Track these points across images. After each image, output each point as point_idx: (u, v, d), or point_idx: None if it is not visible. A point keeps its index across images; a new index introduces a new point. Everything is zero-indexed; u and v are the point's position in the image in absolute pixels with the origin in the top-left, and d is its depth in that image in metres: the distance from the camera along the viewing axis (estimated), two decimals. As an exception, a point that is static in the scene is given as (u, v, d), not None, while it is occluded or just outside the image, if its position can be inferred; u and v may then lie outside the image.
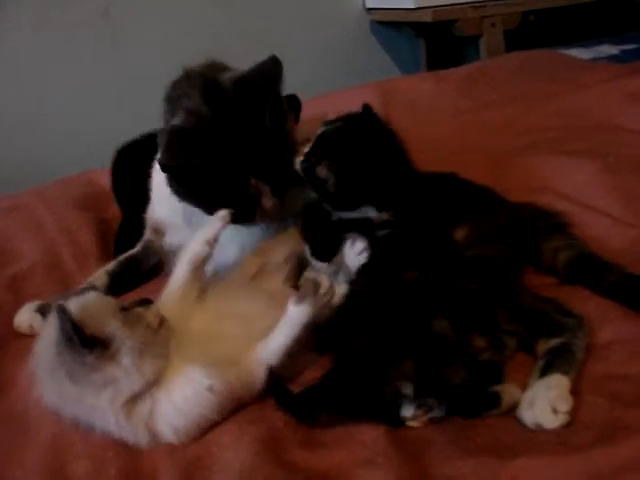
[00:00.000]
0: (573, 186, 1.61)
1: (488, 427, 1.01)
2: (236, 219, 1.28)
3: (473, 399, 1.03)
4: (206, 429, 1.02)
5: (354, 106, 2.36)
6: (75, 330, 0.96)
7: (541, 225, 1.41)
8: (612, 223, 1.47)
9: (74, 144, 2.72)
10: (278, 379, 1.06)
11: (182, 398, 1.00)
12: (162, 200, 1.46)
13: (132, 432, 1.00)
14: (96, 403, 0.99)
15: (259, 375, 1.06)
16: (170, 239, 1.50)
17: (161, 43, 2.88)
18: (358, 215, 1.26)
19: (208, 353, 1.06)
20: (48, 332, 1.02)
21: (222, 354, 1.06)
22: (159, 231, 1.52)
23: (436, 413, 1.02)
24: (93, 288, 1.40)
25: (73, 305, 1.00)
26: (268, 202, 1.32)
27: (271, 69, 1.33)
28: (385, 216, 1.25)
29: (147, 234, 1.55)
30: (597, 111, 2.06)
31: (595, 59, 2.97)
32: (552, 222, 1.43)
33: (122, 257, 1.54)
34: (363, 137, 1.29)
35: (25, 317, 1.37)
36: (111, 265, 1.51)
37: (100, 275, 1.48)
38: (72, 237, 1.62)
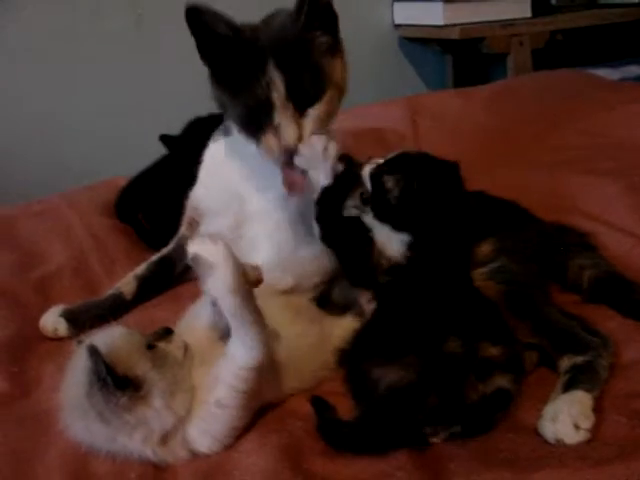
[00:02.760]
0: (598, 205, 1.61)
1: (508, 442, 1.00)
2: (247, 126, 1.28)
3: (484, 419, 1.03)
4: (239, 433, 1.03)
5: (382, 121, 2.39)
6: (108, 372, 0.94)
7: (569, 242, 1.41)
8: (636, 243, 1.47)
9: (102, 153, 2.75)
10: (325, 405, 1.04)
11: (199, 419, 1.01)
12: (205, 181, 1.49)
13: (170, 457, 1.00)
14: (129, 443, 0.98)
15: (253, 373, 1.02)
16: (206, 228, 1.49)
17: (193, 53, 2.91)
18: (385, 238, 1.24)
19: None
20: (77, 371, 1.00)
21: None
22: (195, 222, 1.51)
23: (456, 428, 1.02)
24: (120, 298, 1.43)
25: (102, 344, 0.98)
26: (280, 117, 1.25)
27: None
28: (400, 259, 1.22)
29: (182, 229, 1.53)
30: (623, 131, 2.06)
31: (623, 79, 2.97)
32: (580, 241, 1.43)
33: (153, 258, 1.53)
34: (441, 172, 1.24)
35: (50, 321, 1.38)
36: (141, 269, 1.51)
37: (129, 280, 1.48)
38: (100, 243, 1.63)
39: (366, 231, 1.22)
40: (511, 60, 3.21)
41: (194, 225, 1.51)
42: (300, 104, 1.27)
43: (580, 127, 2.17)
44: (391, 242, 1.20)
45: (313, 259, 1.33)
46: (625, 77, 3.06)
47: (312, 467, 0.99)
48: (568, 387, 1.07)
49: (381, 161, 1.25)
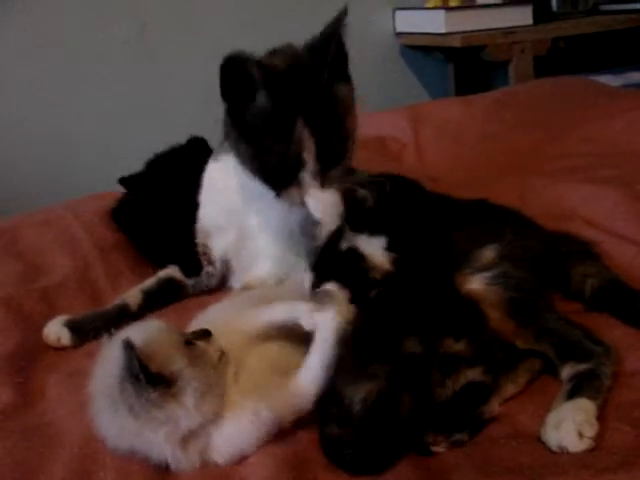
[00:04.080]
0: (600, 213, 1.61)
1: (510, 450, 1.00)
2: (271, 180, 1.29)
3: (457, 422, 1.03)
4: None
5: (383, 129, 2.39)
6: (141, 368, 0.94)
7: (572, 251, 1.41)
8: (638, 251, 1.47)
9: (106, 162, 2.75)
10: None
11: (232, 430, 1.01)
12: (207, 200, 1.51)
13: (187, 462, 1.00)
14: (154, 438, 0.98)
15: (305, 400, 1.05)
16: (214, 246, 1.51)
17: (196, 62, 2.92)
18: (368, 248, 1.24)
19: (256, 382, 1.05)
20: (111, 363, 1.00)
21: (270, 383, 1.06)
22: (207, 249, 1.53)
23: (458, 437, 1.03)
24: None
25: (138, 338, 0.98)
26: (306, 176, 1.27)
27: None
28: (387, 264, 1.24)
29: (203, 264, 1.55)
30: (626, 138, 2.06)
31: (625, 86, 2.97)
32: (583, 249, 1.43)
33: (162, 275, 1.53)
34: (409, 190, 1.31)
35: (53, 330, 1.38)
36: (148, 284, 1.51)
37: (135, 293, 1.48)
38: (104, 254, 1.63)
39: (356, 255, 1.23)
40: (513, 67, 3.21)
41: (208, 253, 1.53)
42: (325, 165, 1.28)
43: (582, 134, 2.16)
44: (374, 248, 1.21)
45: None
46: (627, 84, 3.06)
47: (316, 478, 0.99)
48: (572, 395, 1.06)
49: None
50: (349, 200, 1.24)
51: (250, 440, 1.01)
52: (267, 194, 1.34)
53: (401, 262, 1.21)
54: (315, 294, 1.20)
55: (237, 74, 1.24)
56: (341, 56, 1.32)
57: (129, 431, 0.99)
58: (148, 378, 0.95)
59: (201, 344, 1.03)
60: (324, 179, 1.29)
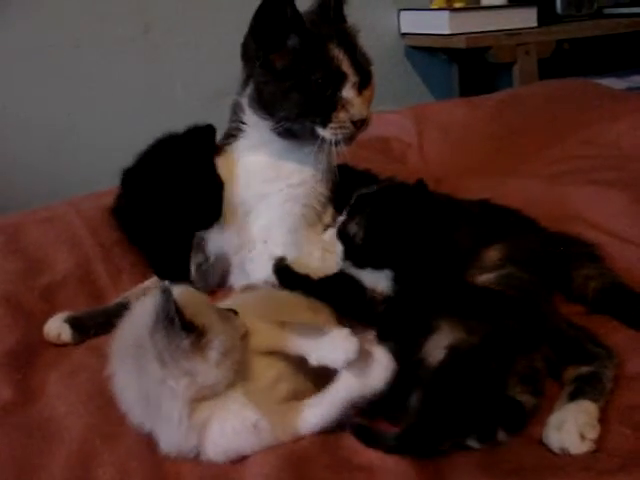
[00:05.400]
0: (603, 216, 1.61)
1: (513, 452, 1.00)
2: (316, 108, 1.32)
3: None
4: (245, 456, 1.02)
5: (387, 130, 2.39)
6: (177, 312, 0.96)
7: (574, 252, 1.41)
8: (642, 254, 1.47)
9: (108, 160, 2.75)
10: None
11: (230, 426, 1.01)
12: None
13: (184, 434, 1.00)
14: (174, 388, 0.98)
15: (306, 432, 1.04)
16: (211, 246, 1.50)
17: (200, 62, 2.93)
18: (374, 281, 1.22)
19: (260, 385, 1.05)
20: (143, 310, 1.02)
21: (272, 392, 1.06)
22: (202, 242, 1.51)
23: (470, 442, 1.02)
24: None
25: (175, 290, 0.99)
26: (349, 92, 1.34)
27: None
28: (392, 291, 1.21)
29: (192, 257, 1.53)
30: (629, 141, 2.06)
31: (629, 89, 2.97)
32: (586, 251, 1.43)
33: None
34: (401, 203, 1.24)
35: (54, 326, 1.38)
36: (150, 282, 1.50)
37: (138, 292, 1.47)
38: (106, 252, 1.62)
39: (354, 281, 1.23)
40: (517, 69, 3.20)
41: (202, 245, 1.50)
42: (361, 80, 1.37)
43: (586, 137, 2.16)
44: (378, 282, 1.20)
45: None
46: (631, 87, 3.06)
47: (316, 478, 0.99)
48: (574, 397, 1.07)
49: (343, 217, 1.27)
50: (343, 237, 1.24)
51: (245, 444, 1.01)
52: (302, 156, 1.40)
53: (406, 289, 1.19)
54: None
55: (274, 14, 1.31)
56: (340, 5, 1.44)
57: (153, 379, 0.98)
58: (183, 324, 0.96)
59: (229, 313, 1.05)
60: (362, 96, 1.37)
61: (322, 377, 1.07)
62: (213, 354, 0.98)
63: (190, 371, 0.98)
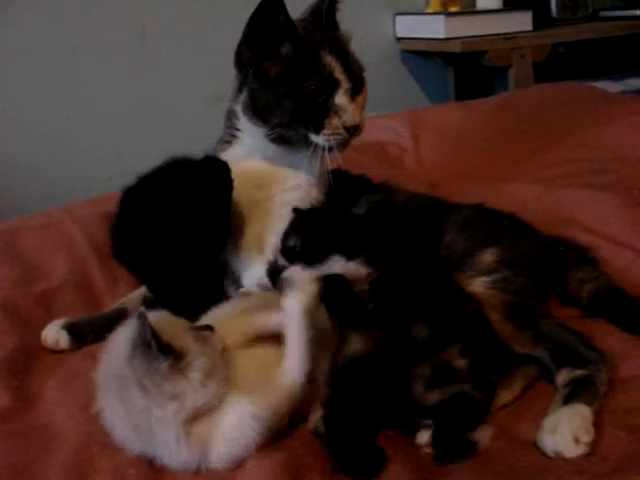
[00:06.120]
0: (598, 219, 1.62)
1: (505, 455, 1.01)
2: (309, 115, 1.32)
3: (445, 445, 1.03)
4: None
5: (383, 134, 2.39)
6: (154, 335, 0.96)
7: (569, 256, 1.42)
8: (636, 257, 1.47)
9: (105, 166, 2.76)
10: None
11: (230, 427, 1.01)
12: None
13: (186, 454, 0.99)
14: (161, 415, 0.98)
15: (295, 387, 1.05)
16: None
17: (196, 68, 2.93)
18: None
19: (249, 379, 1.06)
20: (120, 338, 1.03)
21: (260, 379, 1.06)
22: None
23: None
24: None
25: (150, 315, 0.99)
26: (342, 98, 1.34)
27: None
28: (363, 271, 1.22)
29: None
30: (624, 144, 2.06)
31: (624, 92, 2.98)
32: (580, 255, 1.43)
33: None
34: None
35: (52, 333, 1.39)
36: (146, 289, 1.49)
37: (135, 297, 1.47)
38: (103, 259, 1.62)
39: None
40: (513, 73, 3.21)
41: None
42: (353, 87, 1.36)
43: (581, 140, 2.17)
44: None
45: None
46: (626, 90, 3.07)
47: (313, 483, 0.99)
48: (568, 400, 1.07)
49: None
50: (286, 254, 1.26)
51: (248, 441, 1.01)
52: (295, 161, 1.39)
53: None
54: (276, 284, 1.23)
55: (267, 21, 1.32)
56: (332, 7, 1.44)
57: (136, 408, 0.98)
58: (160, 346, 0.96)
59: (206, 332, 1.06)
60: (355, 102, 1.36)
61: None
62: (195, 375, 0.99)
63: (176, 395, 0.98)
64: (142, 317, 0.97)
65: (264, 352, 1.11)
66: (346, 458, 1.01)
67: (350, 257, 1.20)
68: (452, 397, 1.05)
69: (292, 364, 1.06)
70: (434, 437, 1.04)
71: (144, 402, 0.98)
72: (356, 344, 1.09)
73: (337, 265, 1.19)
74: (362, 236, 1.25)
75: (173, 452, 1.00)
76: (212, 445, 1.00)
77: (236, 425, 1.01)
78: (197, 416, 0.99)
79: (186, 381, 0.98)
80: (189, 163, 1.39)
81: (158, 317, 1.02)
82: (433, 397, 1.06)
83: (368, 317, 1.12)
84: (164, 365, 0.97)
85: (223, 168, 1.35)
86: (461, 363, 1.09)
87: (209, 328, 1.07)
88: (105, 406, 1.04)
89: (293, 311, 1.07)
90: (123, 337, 1.02)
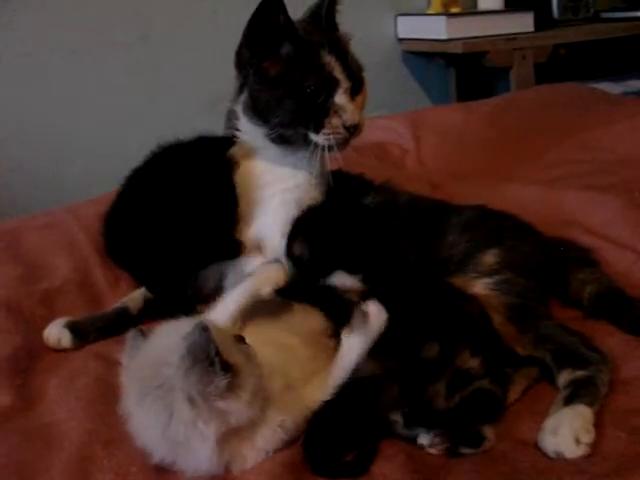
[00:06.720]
0: (599, 220, 1.62)
1: (507, 456, 1.01)
2: (309, 114, 1.33)
3: (456, 432, 1.04)
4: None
5: (385, 135, 2.40)
6: (217, 352, 0.93)
7: (570, 257, 1.42)
8: (637, 258, 1.48)
9: (106, 166, 2.76)
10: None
11: (262, 441, 1.01)
12: None
13: (215, 466, 0.98)
14: (204, 431, 0.95)
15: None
16: None
17: (197, 69, 2.93)
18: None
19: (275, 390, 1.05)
20: (166, 347, 0.98)
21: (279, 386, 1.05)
22: None
23: (464, 450, 1.03)
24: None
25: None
26: (342, 97, 1.34)
27: None
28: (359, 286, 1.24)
29: None
30: (625, 145, 2.06)
31: (624, 93, 2.98)
32: (582, 256, 1.44)
33: None
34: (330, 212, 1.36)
35: (54, 332, 1.39)
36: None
37: (136, 297, 1.47)
38: (105, 258, 1.61)
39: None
40: (514, 74, 3.21)
41: None
42: (353, 87, 1.37)
43: (582, 141, 2.17)
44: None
45: None
46: (627, 91, 3.07)
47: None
48: (569, 401, 1.07)
49: None
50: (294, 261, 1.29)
51: (273, 450, 1.02)
52: (296, 161, 1.39)
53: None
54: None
55: (267, 22, 1.32)
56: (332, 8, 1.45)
57: (177, 421, 0.95)
58: (222, 365, 0.93)
59: (246, 346, 1.03)
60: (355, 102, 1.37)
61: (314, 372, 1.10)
62: (245, 394, 0.96)
63: (223, 412, 0.95)
64: (205, 330, 0.94)
65: (275, 361, 1.08)
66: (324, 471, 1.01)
67: (352, 272, 1.23)
68: (472, 393, 1.06)
69: (333, 384, 1.07)
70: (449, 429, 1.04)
71: (190, 416, 0.94)
72: (364, 366, 1.09)
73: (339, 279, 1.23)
74: (365, 247, 1.26)
75: (203, 464, 0.98)
76: (239, 456, 1.00)
77: (269, 439, 1.01)
78: (234, 431, 0.98)
79: (236, 399, 0.95)
80: (181, 148, 1.46)
81: (213, 330, 0.97)
82: (455, 401, 1.06)
83: (378, 344, 1.11)
84: (224, 383, 0.94)
85: (219, 144, 1.43)
86: (474, 363, 1.10)
87: (242, 339, 1.04)
88: (134, 411, 1.00)
89: (353, 348, 1.09)
90: (170, 346, 0.97)
